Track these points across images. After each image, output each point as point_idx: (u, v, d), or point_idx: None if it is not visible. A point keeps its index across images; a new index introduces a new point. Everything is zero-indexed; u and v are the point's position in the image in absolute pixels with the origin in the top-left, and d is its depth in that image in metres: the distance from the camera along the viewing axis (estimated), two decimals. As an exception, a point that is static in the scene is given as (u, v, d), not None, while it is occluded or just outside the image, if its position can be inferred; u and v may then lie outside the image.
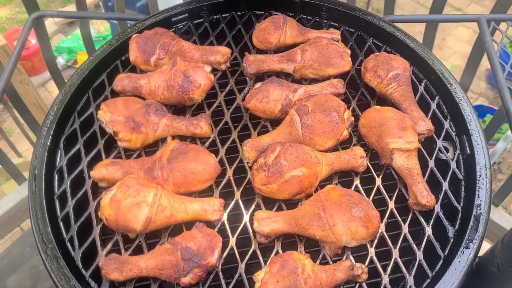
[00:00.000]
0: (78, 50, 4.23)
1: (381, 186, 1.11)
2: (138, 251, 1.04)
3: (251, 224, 1.05)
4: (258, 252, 1.03)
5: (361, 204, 1.00)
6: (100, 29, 4.50)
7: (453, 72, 2.00)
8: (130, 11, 3.85)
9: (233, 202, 1.10)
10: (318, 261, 1.02)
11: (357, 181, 1.13)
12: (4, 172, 2.68)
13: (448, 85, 1.21)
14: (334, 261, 1.03)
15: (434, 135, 1.17)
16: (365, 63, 1.27)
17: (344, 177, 1.14)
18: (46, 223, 1.05)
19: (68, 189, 1.12)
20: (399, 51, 1.33)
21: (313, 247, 1.06)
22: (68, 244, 1.05)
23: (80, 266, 1.02)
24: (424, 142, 1.16)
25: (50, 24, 4.47)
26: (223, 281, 1.00)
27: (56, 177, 1.15)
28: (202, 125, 1.18)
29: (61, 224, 1.08)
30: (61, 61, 4.24)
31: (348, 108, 1.20)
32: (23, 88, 2.64)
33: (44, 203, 1.07)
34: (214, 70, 1.32)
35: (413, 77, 1.28)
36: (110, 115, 1.13)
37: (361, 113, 1.21)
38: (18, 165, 2.35)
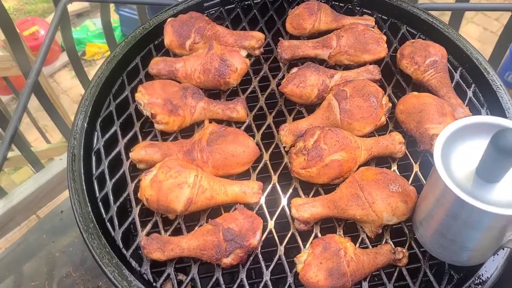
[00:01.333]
0: (87, 42, 4.22)
1: (419, 173, 1.11)
2: (177, 232, 1.04)
3: (289, 208, 1.05)
4: (297, 235, 1.04)
5: (398, 180, 1.01)
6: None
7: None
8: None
9: (270, 186, 1.10)
10: (357, 245, 1.02)
11: (394, 167, 1.13)
12: (13, 162, 2.70)
13: (485, 73, 1.21)
14: (373, 246, 1.03)
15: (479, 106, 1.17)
16: (401, 49, 1.26)
17: (381, 163, 1.14)
18: (87, 203, 1.05)
19: (106, 170, 1.13)
20: (434, 39, 1.32)
21: (351, 232, 1.06)
22: (108, 224, 1.06)
23: (121, 245, 1.03)
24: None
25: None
26: (263, 263, 1.00)
27: (94, 158, 1.15)
28: (238, 109, 1.17)
29: (100, 204, 1.08)
30: (69, 52, 4.23)
31: (385, 94, 1.20)
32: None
33: (84, 184, 1.08)
34: (247, 56, 1.31)
35: (449, 65, 1.27)
36: (148, 97, 1.13)
37: (397, 100, 1.21)
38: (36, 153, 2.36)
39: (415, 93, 1.17)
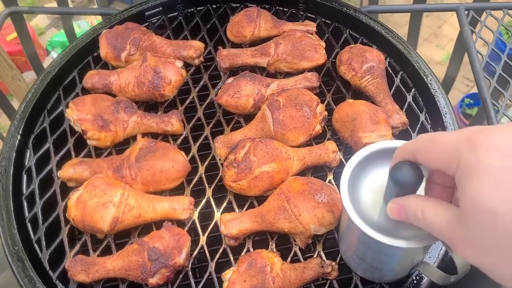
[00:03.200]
0: (70, 45, 4.18)
1: (354, 181, 1.09)
2: (107, 251, 1.03)
3: (221, 223, 1.03)
4: (229, 250, 1.02)
5: (324, 190, 0.99)
6: (93, 22, 4.44)
7: (448, 60, 1.97)
8: (123, 5, 3.81)
9: (204, 200, 1.08)
10: (289, 259, 1.00)
11: (330, 177, 1.11)
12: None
13: (424, 77, 1.19)
14: (305, 258, 1.01)
15: (409, 128, 1.15)
16: (339, 55, 1.24)
17: (317, 172, 1.12)
18: (13, 225, 1.03)
19: (37, 189, 1.10)
20: (376, 43, 1.31)
21: (284, 244, 1.05)
22: (35, 245, 1.04)
23: (48, 268, 1.01)
24: (399, 136, 1.14)
25: (43, 18, 4.41)
26: (192, 281, 0.99)
27: (24, 177, 1.13)
28: (173, 122, 1.15)
29: (28, 225, 1.06)
30: (54, 55, 4.20)
31: (323, 102, 1.18)
32: (14, 84, 2.60)
33: (11, 204, 1.06)
34: (187, 65, 1.29)
35: (390, 69, 1.26)
36: (78, 113, 1.11)
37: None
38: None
39: (350, 100, 1.15)
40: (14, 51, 3.51)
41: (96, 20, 4.48)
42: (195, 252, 1.01)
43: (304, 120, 1.09)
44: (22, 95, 2.54)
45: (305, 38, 1.23)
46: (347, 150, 1.14)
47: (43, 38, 4.10)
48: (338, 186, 1.06)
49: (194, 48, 1.28)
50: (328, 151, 1.09)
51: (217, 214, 1.06)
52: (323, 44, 1.26)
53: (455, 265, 0.80)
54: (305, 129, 1.09)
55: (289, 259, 1.00)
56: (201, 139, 1.18)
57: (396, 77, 1.25)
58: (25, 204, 1.09)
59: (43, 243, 1.03)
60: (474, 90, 3.81)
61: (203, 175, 1.12)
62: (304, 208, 0.97)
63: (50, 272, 1.00)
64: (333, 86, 1.26)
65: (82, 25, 4.00)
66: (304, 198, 0.98)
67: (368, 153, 0.84)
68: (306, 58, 1.23)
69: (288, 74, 1.28)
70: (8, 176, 1.09)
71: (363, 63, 1.18)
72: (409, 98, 1.21)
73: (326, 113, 1.14)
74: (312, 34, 1.28)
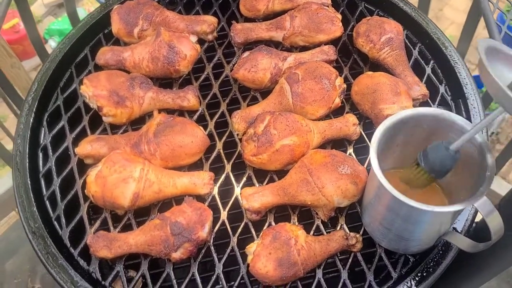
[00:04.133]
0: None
1: (375, 154, 1.08)
2: (127, 228, 1.01)
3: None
4: (250, 225, 1.01)
5: (347, 162, 0.98)
6: (91, 9, 4.39)
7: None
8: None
9: (223, 176, 1.07)
10: (312, 232, 1.00)
11: (350, 150, 1.10)
12: (-2, 158, 2.66)
13: (443, 48, 1.17)
14: (328, 232, 1.00)
15: (429, 100, 1.13)
16: (356, 28, 1.22)
17: (337, 146, 1.11)
18: (32, 203, 1.02)
19: (53, 167, 1.09)
20: (392, 15, 1.28)
21: (306, 219, 1.04)
22: (55, 223, 1.03)
23: (69, 245, 1.00)
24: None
25: (39, 6, 4.36)
26: (215, 256, 0.98)
27: (40, 155, 1.11)
28: (189, 98, 1.14)
29: (47, 203, 1.05)
30: (52, 44, 4.14)
31: (340, 75, 1.16)
32: (14, 72, 2.58)
33: (29, 182, 1.04)
34: (201, 41, 1.27)
35: (407, 41, 1.23)
36: (93, 90, 1.09)
37: (353, 81, 1.17)
38: (11, 150, 2.31)
39: (370, 72, 1.13)
40: (11, 40, 3.47)
41: (93, 6, 4.43)
42: (216, 228, 1.00)
43: (323, 92, 1.07)
44: (22, 83, 2.52)
45: (321, 11, 1.21)
46: (367, 123, 1.13)
47: (40, 26, 4.04)
48: (359, 160, 1.05)
49: (207, 23, 1.25)
50: (349, 123, 1.07)
51: (237, 190, 1.05)
52: (340, 16, 1.24)
53: (484, 232, 0.79)
54: (325, 101, 1.08)
55: (311, 233, 0.99)
56: (217, 115, 1.16)
57: (414, 49, 1.23)
58: (42, 182, 1.08)
59: (63, 220, 1.02)
60: (475, 73, 3.79)
61: (221, 151, 1.11)
62: (327, 180, 0.96)
63: (71, 249, 0.99)
64: (350, 60, 1.24)
65: (80, 13, 3.95)
66: (327, 170, 0.97)
67: (396, 120, 0.84)
68: (322, 31, 1.21)
69: (303, 48, 1.26)
70: (24, 154, 1.08)
71: (382, 35, 1.16)
72: (428, 70, 1.19)
73: (345, 85, 1.12)
74: (327, 6, 1.26)
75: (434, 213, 0.78)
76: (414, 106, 1.09)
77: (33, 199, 1.02)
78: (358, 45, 1.21)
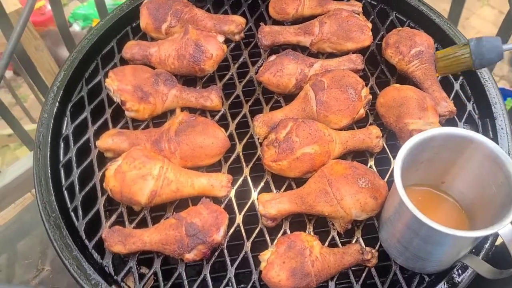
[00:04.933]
0: (93, 18, 4.16)
1: (396, 169, 1.06)
2: (142, 223, 1.02)
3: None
4: (265, 230, 1.00)
5: (368, 175, 0.97)
6: (118, -3, 4.41)
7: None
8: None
9: (241, 179, 1.07)
10: (326, 243, 0.99)
11: (371, 162, 1.08)
12: (15, 138, 2.69)
13: (474, 65, 1.14)
14: (343, 243, 0.99)
15: (455, 117, 1.11)
16: (386, 38, 1.20)
17: (358, 157, 1.09)
18: (50, 192, 1.03)
19: (74, 158, 1.10)
20: (424, 27, 1.26)
21: (322, 227, 1.03)
22: (72, 214, 1.03)
23: (84, 236, 1.01)
24: (444, 124, 1.10)
25: (66, -10, 4.40)
26: (227, 259, 0.98)
27: (62, 145, 1.12)
28: (212, 98, 1.13)
29: (65, 193, 1.06)
30: (76, 28, 4.18)
31: (366, 85, 1.15)
32: (38, 54, 2.60)
33: (49, 171, 1.05)
34: (227, 41, 1.26)
35: (437, 55, 1.21)
36: (118, 84, 1.09)
37: (380, 91, 1.15)
38: (30, 132, 2.34)
39: (397, 85, 1.11)
40: (36, 22, 3.50)
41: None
42: (231, 231, 1.00)
43: (348, 102, 1.06)
44: (44, 66, 2.54)
45: (352, 18, 1.19)
46: (390, 136, 1.11)
47: (65, 9, 4.07)
48: (379, 171, 1.04)
49: (235, 23, 1.24)
50: (372, 136, 1.06)
51: (254, 194, 1.05)
52: (370, 25, 1.22)
53: (504, 257, 0.78)
54: (349, 112, 1.06)
55: (326, 243, 0.99)
56: (239, 117, 1.16)
57: (444, 63, 1.20)
58: (62, 172, 1.08)
59: (80, 212, 1.03)
60: (499, 85, 3.71)
61: (240, 153, 1.10)
62: (346, 192, 0.95)
63: (86, 241, 1.00)
64: (377, 70, 1.22)
65: (107, 0, 3.97)
66: (347, 182, 0.95)
67: (423, 138, 0.82)
68: (351, 39, 1.19)
69: (330, 55, 1.24)
70: (46, 143, 1.08)
71: (412, 47, 1.14)
72: (457, 86, 1.16)
73: (370, 96, 1.10)
74: (358, 14, 1.24)
75: (455, 237, 0.77)
76: (440, 122, 1.07)
77: (51, 189, 1.03)
78: (386, 56, 1.19)
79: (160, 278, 0.96)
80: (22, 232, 2.28)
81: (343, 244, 0.99)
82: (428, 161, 0.89)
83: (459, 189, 0.93)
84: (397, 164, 0.80)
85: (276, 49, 1.26)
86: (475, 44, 0.84)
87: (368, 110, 1.13)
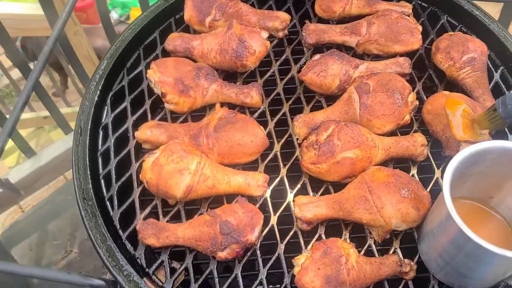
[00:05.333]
0: (132, 6, 4.21)
1: (440, 179, 1.02)
2: (176, 217, 1.01)
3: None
4: (299, 233, 0.98)
5: (411, 184, 0.93)
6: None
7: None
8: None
9: (278, 178, 1.05)
10: (363, 251, 0.96)
11: (414, 171, 1.04)
12: (51, 120, 2.75)
13: (529, 76, 1.09)
14: (380, 251, 0.96)
15: (506, 129, 1.06)
16: (437, 42, 1.15)
17: (400, 163, 1.06)
18: (88, 180, 1.03)
19: (112, 147, 1.10)
20: (476, 33, 1.21)
21: (358, 233, 1.00)
22: (107, 203, 1.04)
23: (118, 226, 1.01)
24: (494, 136, 1.05)
25: (106, -23, 4.45)
26: (260, 259, 0.96)
27: (101, 133, 1.13)
28: (253, 95, 1.11)
29: (102, 182, 1.06)
30: (114, 15, 4.24)
31: (413, 90, 1.10)
32: (76, 40, 2.64)
33: (87, 159, 1.06)
34: (270, 37, 1.24)
35: (489, 63, 1.15)
36: (159, 75, 1.09)
37: (426, 98, 1.11)
38: (66, 115, 2.38)
39: (446, 92, 1.07)
40: (77, 7, 3.55)
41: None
42: (265, 231, 0.98)
43: (394, 107, 1.02)
44: (83, 51, 2.58)
45: (402, 20, 1.15)
46: (434, 144, 1.07)
47: (107, -4, 4.12)
48: (422, 180, 1.00)
49: (280, 20, 1.22)
50: (416, 144, 1.02)
51: (290, 195, 1.02)
52: (420, 28, 1.17)
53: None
54: (394, 117, 1.02)
55: (363, 252, 0.96)
56: (279, 115, 1.13)
57: (496, 72, 1.15)
58: (100, 160, 1.09)
59: (115, 201, 1.03)
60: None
61: (278, 153, 1.08)
62: (387, 201, 0.91)
63: (120, 232, 1.00)
64: (425, 75, 1.17)
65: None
66: (388, 190, 0.92)
67: (475, 151, 0.79)
68: (400, 41, 1.15)
69: (375, 57, 1.20)
70: (86, 130, 1.09)
71: (464, 53, 1.09)
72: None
73: (417, 102, 1.06)
74: (408, 16, 1.19)
75: (504, 257, 0.73)
76: (490, 133, 1.02)
77: (89, 177, 1.03)
78: (436, 61, 1.15)
79: (191, 274, 0.95)
80: (53, 214, 2.33)
81: (379, 252, 0.96)
82: (478, 175, 0.85)
83: (508, 206, 0.88)
84: (446, 176, 0.77)
85: (320, 48, 1.23)
86: (503, 109, 0.85)
87: (413, 117, 1.09)
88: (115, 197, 1.03)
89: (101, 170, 1.08)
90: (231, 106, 1.14)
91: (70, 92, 3.67)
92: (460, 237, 0.75)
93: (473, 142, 0.89)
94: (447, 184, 0.76)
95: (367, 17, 1.19)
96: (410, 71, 1.13)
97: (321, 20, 1.28)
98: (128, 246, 0.99)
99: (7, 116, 2.07)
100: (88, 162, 1.05)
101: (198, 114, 1.15)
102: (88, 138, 1.08)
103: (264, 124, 1.10)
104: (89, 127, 1.10)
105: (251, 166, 1.07)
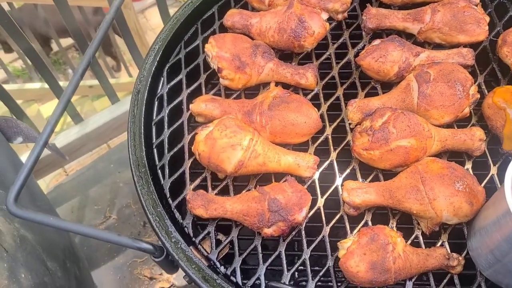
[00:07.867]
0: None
1: (495, 176, 1.00)
2: (224, 191, 1.03)
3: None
4: (346, 218, 0.98)
5: (466, 178, 0.91)
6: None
7: None
8: None
9: (327, 162, 1.04)
10: (409, 242, 0.95)
11: (468, 165, 1.02)
12: (95, 90, 2.82)
13: None
14: (426, 244, 0.95)
15: None
16: (504, 35, 1.11)
17: (454, 157, 1.03)
18: (142, 148, 1.06)
19: (166, 118, 1.12)
20: (547, 27, 1.15)
21: (405, 223, 0.99)
22: (159, 171, 1.06)
23: (168, 195, 1.03)
24: (557, 136, 1.01)
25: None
26: (304, 240, 0.97)
27: (156, 104, 1.15)
28: (308, 76, 1.11)
29: (155, 151, 1.09)
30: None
31: (474, 82, 1.07)
32: (125, 12, 2.69)
33: (142, 128, 1.08)
34: (329, 19, 1.22)
35: (558, 60, 1.10)
36: (217, 50, 1.09)
37: (487, 92, 1.07)
38: (114, 85, 2.44)
39: (510, 87, 1.03)
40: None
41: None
42: (311, 212, 0.99)
43: (454, 99, 0.99)
44: (130, 24, 2.62)
45: (469, 9, 1.11)
46: (492, 139, 1.03)
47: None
48: (476, 176, 0.97)
49: (341, 2, 1.20)
50: (474, 138, 0.99)
51: (339, 179, 1.02)
52: (488, 18, 1.12)
53: None
54: (454, 109, 1.00)
55: (409, 242, 0.95)
56: (332, 98, 1.12)
57: None
58: (153, 130, 1.12)
59: (167, 170, 1.06)
60: None
61: (329, 136, 1.07)
62: (440, 193, 0.90)
63: (170, 200, 1.03)
64: (488, 68, 1.13)
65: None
66: (442, 182, 0.90)
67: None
68: (465, 31, 1.11)
69: (436, 46, 1.17)
70: (142, 99, 1.12)
71: (533, 48, 1.05)
72: None
73: (478, 95, 1.03)
74: (476, 6, 1.15)
75: None
76: (553, 133, 0.98)
77: (143, 145, 1.06)
78: (501, 55, 1.10)
79: (236, 247, 0.97)
80: (95, 180, 2.42)
81: (426, 245, 0.95)
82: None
83: None
84: (508, 173, 0.74)
85: (379, 33, 1.20)
86: None
87: (472, 110, 1.06)
88: (167, 167, 1.06)
89: (154, 140, 1.10)
90: (285, 86, 1.14)
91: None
92: None
93: None
94: (509, 181, 0.74)
95: (432, 4, 1.15)
96: (473, 62, 1.09)
97: (382, 5, 1.25)
98: (177, 215, 1.01)
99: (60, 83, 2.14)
100: (143, 131, 1.08)
101: (251, 92, 1.15)
102: (144, 107, 1.11)
103: (317, 106, 1.09)
104: (145, 97, 1.12)
105: (301, 147, 1.07)
